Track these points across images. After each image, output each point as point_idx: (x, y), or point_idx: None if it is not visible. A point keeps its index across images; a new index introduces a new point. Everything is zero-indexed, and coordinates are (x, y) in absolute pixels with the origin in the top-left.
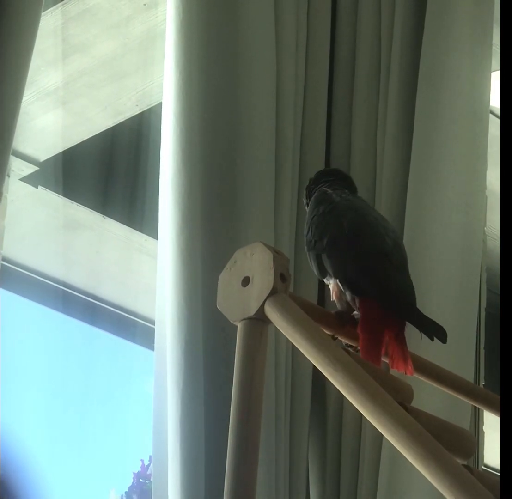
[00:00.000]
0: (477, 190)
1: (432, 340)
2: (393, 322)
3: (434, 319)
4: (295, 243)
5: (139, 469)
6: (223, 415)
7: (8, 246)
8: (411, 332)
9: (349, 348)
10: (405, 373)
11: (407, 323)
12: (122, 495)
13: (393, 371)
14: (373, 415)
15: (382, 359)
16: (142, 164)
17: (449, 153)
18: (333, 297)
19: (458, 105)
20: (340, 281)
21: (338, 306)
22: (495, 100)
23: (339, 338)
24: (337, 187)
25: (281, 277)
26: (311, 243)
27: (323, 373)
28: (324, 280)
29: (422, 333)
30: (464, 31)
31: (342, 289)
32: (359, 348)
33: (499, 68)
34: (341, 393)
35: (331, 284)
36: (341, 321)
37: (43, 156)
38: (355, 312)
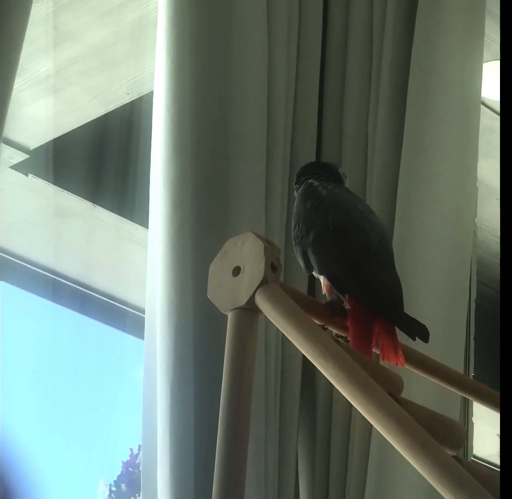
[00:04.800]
0: (468, 181)
1: (414, 339)
2: None
3: (417, 318)
4: (286, 233)
5: (128, 458)
6: (213, 404)
7: None
8: None
9: (339, 338)
10: (396, 365)
11: None
12: (111, 484)
13: (384, 362)
14: (364, 406)
15: (373, 350)
16: (133, 153)
17: (440, 144)
18: (324, 290)
19: (449, 96)
20: (325, 278)
21: (329, 299)
22: (486, 91)
23: (329, 328)
24: (323, 179)
25: (272, 267)
26: (298, 238)
27: (313, 363)
28: (313, 273)
29: (404, 333)
30: (456, 22)
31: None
32: (349, 339)
33: (490, 59)
34: (331, 383)
35: (321, 278)
36: (332, 311)
37: (33, 144)
38: (348, 308)
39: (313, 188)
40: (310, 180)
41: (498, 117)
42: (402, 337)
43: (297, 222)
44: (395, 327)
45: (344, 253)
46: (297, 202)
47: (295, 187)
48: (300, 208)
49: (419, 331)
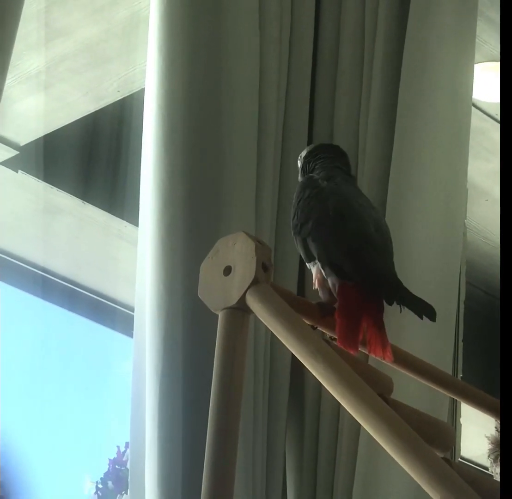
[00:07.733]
0: (458, 182)
1: (422, 318)
2: (372, 308)
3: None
4: (276, 232)
5: (115, 456)
6: (201, 402)
7: None
8: (390, 319)
9: (329, 339)
10: (383, 359)
11: (386, 309)
12: (97, 481)
13: (373, 362)
14: (353, 407)
15: (360, 348)
16: (123, 150)
17: (430, 145)
18: (316, 284)
19: (440, 97)
20: (324, 264)
21: (320, 294)
22: (477, 93)
23: (319, 328)
24: (334, 165)
25: (263, 266)
26: (297, 227)
27: (304, 364)
28: (310, 265)
29: (411, 311)
30: (447, 23)
31: (324, 276)
32: (336, 334)
33: (481, 60)
34: (319, 383)
35: (314, 270)
36: (323, 312)
37: (23, 140)
38: (336, 304)
39: (313, 180)
40: (310, 174)
41: (488, 119)
42: (391, 337)
43: (296, 212)
44: (383, 322)
45: (343, 238)
46: (296, 193)
47: (303, 162)
48: (299, 198)
49: (425, 309)
